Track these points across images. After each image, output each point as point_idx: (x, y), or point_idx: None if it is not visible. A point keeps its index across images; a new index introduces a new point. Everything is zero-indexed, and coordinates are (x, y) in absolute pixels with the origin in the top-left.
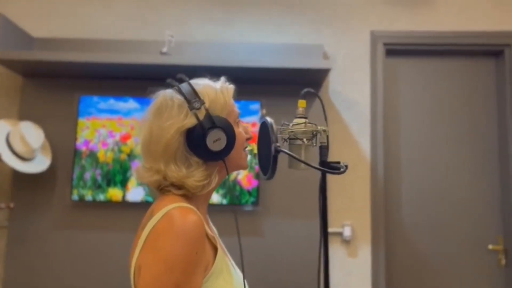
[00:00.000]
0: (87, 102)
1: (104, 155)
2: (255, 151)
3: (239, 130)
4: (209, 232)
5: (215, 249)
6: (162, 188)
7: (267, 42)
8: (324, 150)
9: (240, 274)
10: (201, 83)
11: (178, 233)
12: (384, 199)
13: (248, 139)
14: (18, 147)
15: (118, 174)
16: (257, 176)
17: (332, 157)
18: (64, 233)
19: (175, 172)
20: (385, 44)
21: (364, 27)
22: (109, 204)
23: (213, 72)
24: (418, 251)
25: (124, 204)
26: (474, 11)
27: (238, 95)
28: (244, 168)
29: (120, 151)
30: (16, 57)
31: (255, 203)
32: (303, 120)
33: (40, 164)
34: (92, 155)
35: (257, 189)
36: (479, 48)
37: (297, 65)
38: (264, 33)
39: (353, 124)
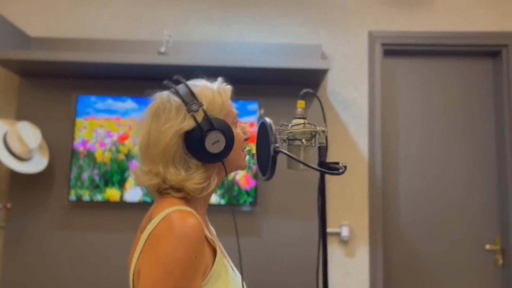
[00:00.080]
0: (85, 102)
1: (102, 155)
2: (253, 151)
3: (237, 131)
4: (208, 234)
5: (214, 252)
6: (161, 191)
7: (265, 42)
8: (323, 150)
9: (239, 276)
10: (199, 85)
11: (177, 237)
12: (382, 199)
13: (246, 139)
14: (15, 147)
15: (115, 174)
16: (255, 176)
17: (330, 157)
18: (62, 234)
19: (174, 175)
20: (383, 45)
21: (362, 27)
22: (107, 204)
23: (211, 72)
24: (416, 251)
25: (121, 205)
26: (472, 12)
27: (236, 95)
28: (242, 168)
29: (118, 151)
30: (13, 56)
31: (253, 203)
32: (302, 121)
33: (37, 164)
34: (90, 155)
35: (255, 189)
36: (476, 49)
37: (295, 65)
38: (262, 33)
39: (351, 124)
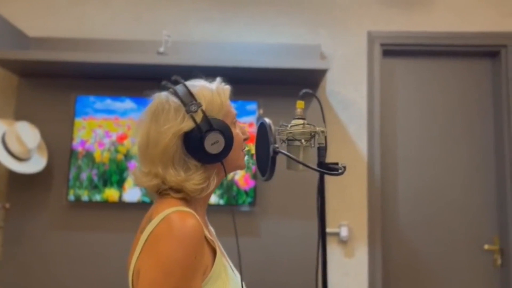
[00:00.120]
0: (84, 102)
1: (101, 155)
2: (252, 151)
3: (236, 131)
4: (208, 235)
5: (214, 252)
6: (160, 192)
7: (264, 42)
8: (322, 151)
9: (238, 276)
10: (197, 85)
11: (177, 238)
12: (381, 199)
13: (245, 139)
14: (14, 147)
15: (114, 175)
16: (254, 176)
17: (329, 158)
18: (60, 234)
19: (174, 176)
20: (382, 45)
21: (361, 27)
22: (106, 204)
23: (210, 72)
24: (415, 251)
25: (120, 205)
26: (470, 12)
27: (235, 95)
28: (242, 168)
29: (116, 151)
30: (12, 56)
31: (252, 204)
32: (301, 121)
33: (36, 164)
34: (89, 155)
35: (254, 190)
36: (475, 49)
37: (294, 65)
38: (261, 33)
39: (350, 125)
